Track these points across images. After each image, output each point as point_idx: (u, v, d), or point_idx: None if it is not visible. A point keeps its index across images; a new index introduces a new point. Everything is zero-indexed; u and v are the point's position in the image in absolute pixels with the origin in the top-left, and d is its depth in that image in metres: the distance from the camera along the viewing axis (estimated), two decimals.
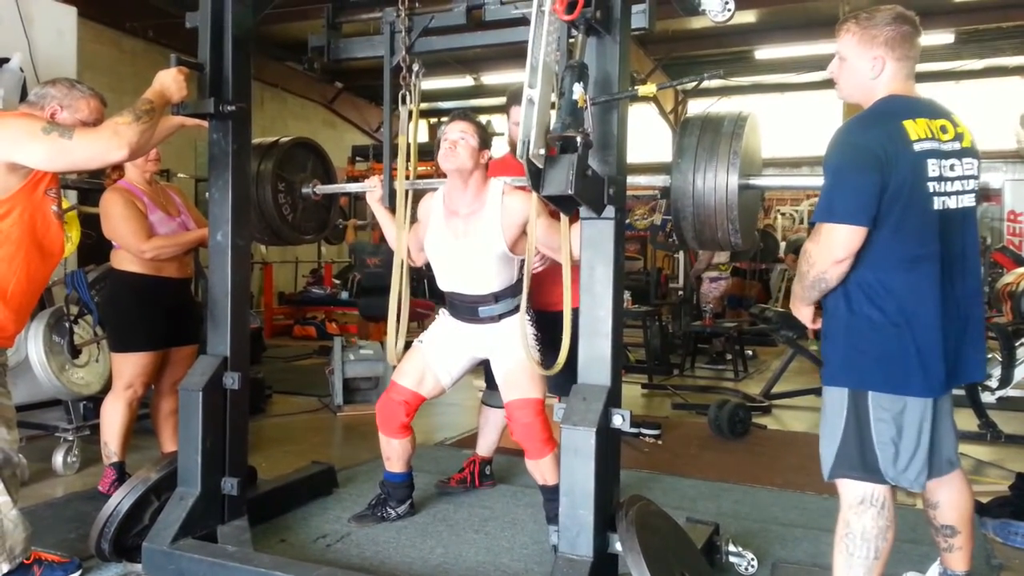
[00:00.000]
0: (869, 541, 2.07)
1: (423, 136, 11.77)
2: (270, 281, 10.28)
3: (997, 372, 4.96)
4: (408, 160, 2.96)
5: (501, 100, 3.57)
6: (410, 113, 2.96)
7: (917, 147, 2.00)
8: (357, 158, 11.26)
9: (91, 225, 3.81)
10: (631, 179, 2.41)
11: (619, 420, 2.20)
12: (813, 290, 2.12)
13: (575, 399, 2.21)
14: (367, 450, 4.00)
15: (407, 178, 2.97)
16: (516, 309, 2.84)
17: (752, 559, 2.67)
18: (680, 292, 9.46)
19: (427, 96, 3.20)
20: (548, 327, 2.83)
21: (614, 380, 2.23)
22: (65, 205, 2.84)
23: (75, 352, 3.93)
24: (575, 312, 2.30)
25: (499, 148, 3.35)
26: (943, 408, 2.16)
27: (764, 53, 12.06)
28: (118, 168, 3.56)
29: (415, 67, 2.94)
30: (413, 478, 3.18)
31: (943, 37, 10.80)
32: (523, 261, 2.80)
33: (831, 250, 2.02)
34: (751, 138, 2.47)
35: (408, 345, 3.03)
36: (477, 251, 2.84)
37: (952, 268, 2.07)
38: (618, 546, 2.17)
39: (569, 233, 2.49)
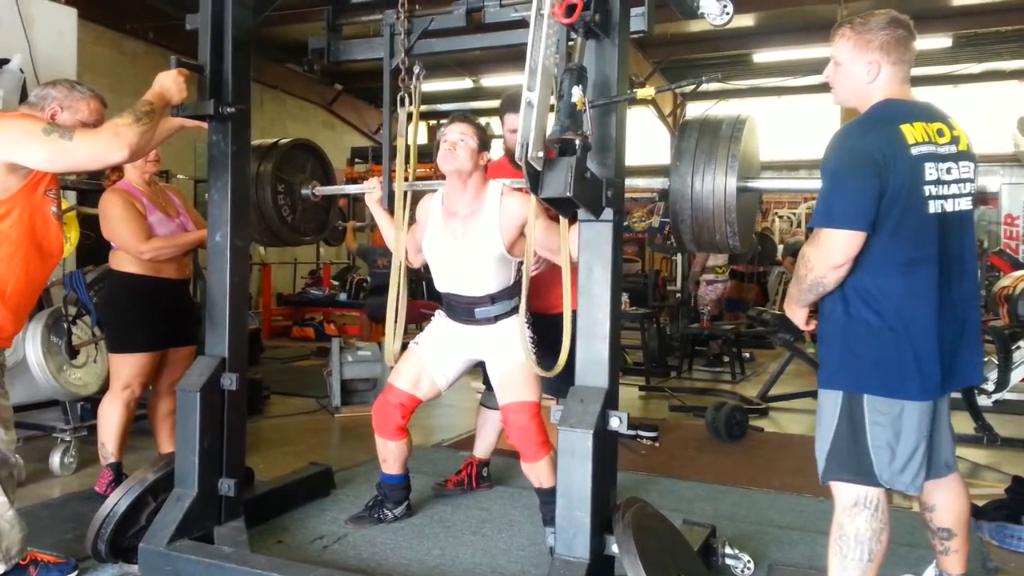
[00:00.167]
0: (863, 543, 2.08)
1: (422, 138, 11.82)
2: (269, 282, 10.29)
3: (994, 375, 4.98)
4: (407, 162, 2.97)
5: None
6: (409, 115, 2.96)
7: (914, 151, 2.00)
8: (356, 160, 11.30)
9: (90, 226, 3.81)
10: (629, 181, 2.42)
11: (616, 422, 2.21)
12: (810, 293, 2.12)
13: (572, 401, 2.21)
14: (364, 451, 3.99)
15: (406, 180, 2.98)
16: (512, 311, 2.85)
17: (749, 561, 2.67)
18: (678, 294, 9.48)
19: (426, 98, 3.21)
20: (545, 330, 2.84)
21: (611, 382, 2.24)
22: (64, 206, 2.84)
23: (73, 353, 3.92)
24: (575, 314, 2.30)
25: (497, 151, 3.36)
26: (941, 411, 2.17)
27: (762, 56, 12.09)
28: (117, 169, 3.56)
29: (415, 69, 2.95)
30: (410, 480, 3.18)
31: (941, 41, 10.83)
32: (521, 263, 2.80)
33: (830, 255, 2.02)
34: (749, 141, 2.47)
35: (405, 347, 3.03)
36: (475, 252, 2.84)
37: (949, 271, 2.06)
38: (615, 548, 2.16)
39: (568, 235, 2.49)
